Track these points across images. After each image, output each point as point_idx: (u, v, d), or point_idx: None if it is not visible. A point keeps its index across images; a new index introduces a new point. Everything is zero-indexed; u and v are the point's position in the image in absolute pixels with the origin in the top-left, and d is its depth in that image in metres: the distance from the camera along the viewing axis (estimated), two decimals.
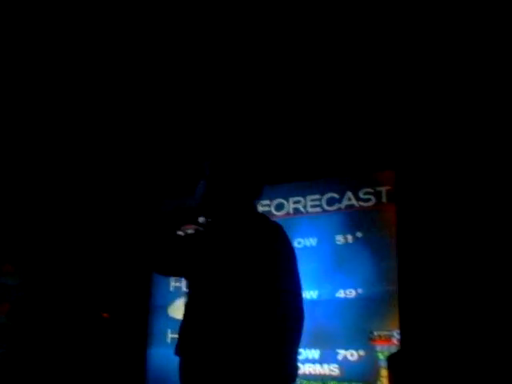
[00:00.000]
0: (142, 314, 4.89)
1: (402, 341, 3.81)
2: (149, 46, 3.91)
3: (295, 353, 1.80)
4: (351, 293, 4.12)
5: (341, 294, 4.15)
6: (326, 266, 4.26)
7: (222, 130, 4.55)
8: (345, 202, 4.36)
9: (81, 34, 3.78)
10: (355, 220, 4.28)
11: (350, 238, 4.26)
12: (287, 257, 1.86)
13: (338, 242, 4.29)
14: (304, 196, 4.53)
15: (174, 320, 4.61)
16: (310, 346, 4.10)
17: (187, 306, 1.90)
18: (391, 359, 3.64)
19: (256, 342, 1.72)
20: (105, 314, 5.05)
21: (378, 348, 3.87)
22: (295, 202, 4.56)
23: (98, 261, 5.07)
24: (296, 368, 1.79)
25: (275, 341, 1.72)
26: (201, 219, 2.02)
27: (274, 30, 3.71)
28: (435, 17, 3.45)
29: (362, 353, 3.95)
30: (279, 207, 4.60)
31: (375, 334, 3.91)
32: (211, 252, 1.84)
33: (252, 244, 1.81)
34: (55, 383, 4.67)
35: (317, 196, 4.47)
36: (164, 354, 4.53)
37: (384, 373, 3.71)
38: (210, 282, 1.82)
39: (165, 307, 4.82)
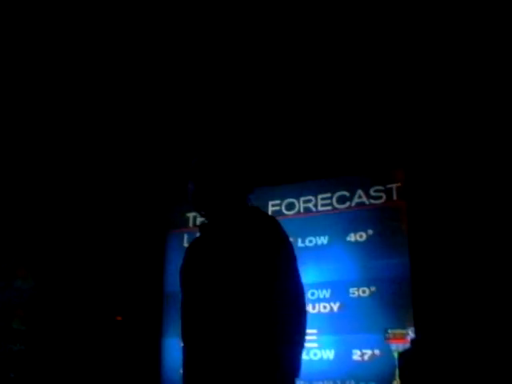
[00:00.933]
0: (155, 305, 4.90)
1: (415, 338, 3.78)
2: (150, 52, 3.89)
3: (298, 353, 1.76)
4: (365, 292, 4.10)
5: (354, 293, 4.14)
6: (339, 264, 4.25)
7: (228, 133, 4.53)
8: (355, 200, 4.34)
9: (80, 36, 3.74)
10: (366, 218, 4.26)
11: (361, 235, 4.25)
12: (284, 252, 1.81)
13: (349, 240, 4.28)
14: (315, 195, 4.51)
15: None
16: (325, 346, 4.10)
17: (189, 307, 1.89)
18: (402, 356, 3.62)
19: (255, 342, 1.70)
20: (118, 317, 5.07)
21: (393, 347, 3.86)
22: (306, 201, 4.53)
23: (110, 263, 5.10)
24: (297, 368, 1.75)
25: (274, 341, 1.69)
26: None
27: (280, 28, 3.67)
28: (445, 13, 3.41)
29: (377, 352, 3.96)
30: (290, 207, 4.58)
31: (390, 332, 3.89)
32: (207, 259, 1.82)
33: (247, 241, 1.78)
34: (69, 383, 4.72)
35: (327, 195, 4.45)
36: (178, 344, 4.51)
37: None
38: (209, 284, 1.80)
39: (178, 294, 4.78)
